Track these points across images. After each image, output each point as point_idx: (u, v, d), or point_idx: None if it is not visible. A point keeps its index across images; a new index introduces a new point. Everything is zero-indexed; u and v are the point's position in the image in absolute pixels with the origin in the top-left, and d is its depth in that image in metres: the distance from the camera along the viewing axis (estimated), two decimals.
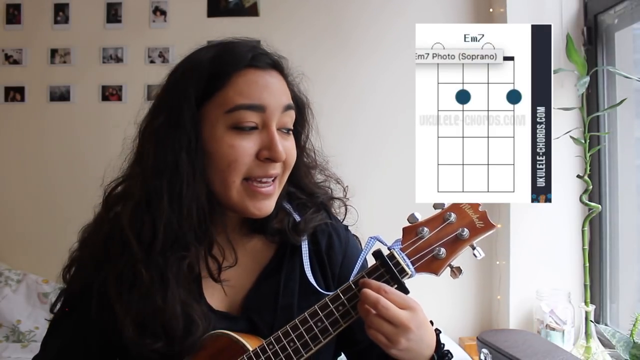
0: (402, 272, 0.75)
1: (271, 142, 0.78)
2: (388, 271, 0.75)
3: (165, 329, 0.76)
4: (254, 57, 0.80)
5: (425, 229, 0.77)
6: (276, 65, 0.83)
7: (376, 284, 0.74)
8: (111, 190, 0.85)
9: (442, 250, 0.75)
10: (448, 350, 0.80)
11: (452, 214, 0.77)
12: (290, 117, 0.83)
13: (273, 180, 0.81)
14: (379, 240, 0.79)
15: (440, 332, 0.79)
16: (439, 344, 0.78)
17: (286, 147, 0.81)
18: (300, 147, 0.89)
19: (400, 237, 0.78)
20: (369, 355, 0.87)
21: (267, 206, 0.81)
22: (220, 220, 0.83)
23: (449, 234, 0.76)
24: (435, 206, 0.79)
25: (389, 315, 0.71)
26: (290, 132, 0.84)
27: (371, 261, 0.78)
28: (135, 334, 0.76)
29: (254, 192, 0.79)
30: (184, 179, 0.76)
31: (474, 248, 0.77)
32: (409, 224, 0.78)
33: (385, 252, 0.77)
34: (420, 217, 0.78)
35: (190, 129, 0.77)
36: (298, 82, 0.89)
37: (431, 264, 0.76)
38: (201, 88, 0.78)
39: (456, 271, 0.77)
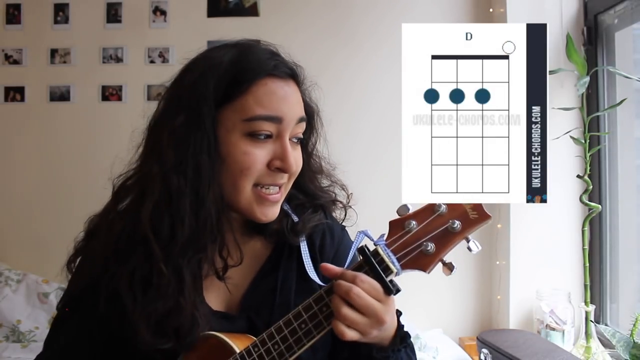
0: (387, 269, 0.70)
1: (284, 153, 0.79)
2: (372, 269, 0.70)
3: (177, 329, 0.76)
4: (275, 65, 0.80)
5: (413, 222, 0.70)
6: (294, 74, 0.84)
7: (352, 274, 0.70)
8: (121, 184, 0.85)
9: (431, 245, 0.69)
10: (407, 332, 0.79)
11: (443, 204, 0.70)
12: (302, 128, 0.84)
13: (280, 188, 0.82)
14: (367, 235, 0.75)
15: (401, 313, 0.78)
16: (400, 325, 0.77)
17: (295, 157, 0.82)
18: (308, 153, 0.90)
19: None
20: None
21: (273, 212, 0.83)
22: (227, 221, 0.84)
23: (438, 227, 0.70)
24: None
25: (360, 304, 0.68)
26: (299, 141, 0.85)
27: None
28: (150, 334, 0.75)
29: (263, 198, 0.80)
30: (204, 181, 0.77)
31: (468, 241, 0.70)
32: (398, 217, 0.72)
33: (372, 247, 0.72)
34: (412, 209, 0.72)
35: (210, 132, 0.78)
36: (310, 91, 0.89)
37: (419, 261, 0.70)
38: (221, 91, 0.78)
39: (449, 267, 0.70)
